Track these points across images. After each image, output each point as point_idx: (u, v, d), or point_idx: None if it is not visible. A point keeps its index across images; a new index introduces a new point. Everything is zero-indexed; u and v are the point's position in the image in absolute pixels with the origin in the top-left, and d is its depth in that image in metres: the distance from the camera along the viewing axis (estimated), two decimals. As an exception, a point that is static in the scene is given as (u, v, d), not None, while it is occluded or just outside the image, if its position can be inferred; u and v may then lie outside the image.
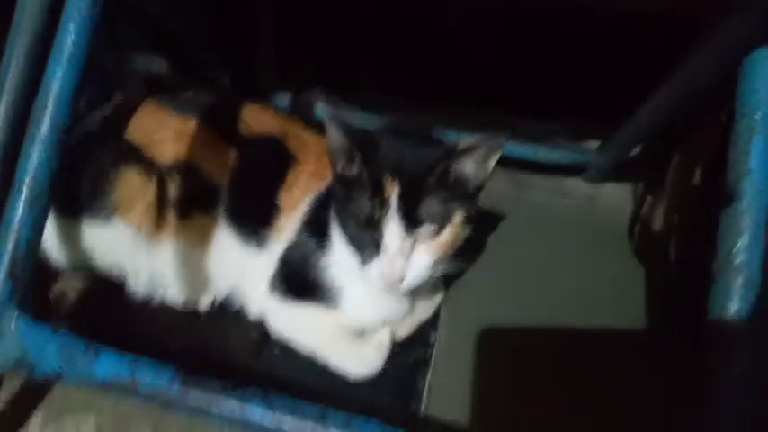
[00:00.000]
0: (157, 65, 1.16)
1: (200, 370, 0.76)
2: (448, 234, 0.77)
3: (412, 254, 0.76)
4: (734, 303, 0.61)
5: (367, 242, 0.77)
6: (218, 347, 0.93)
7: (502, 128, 0.75)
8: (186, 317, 0.95)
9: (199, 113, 0.92)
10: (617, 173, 1.32)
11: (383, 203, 0.74)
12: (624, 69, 1.15)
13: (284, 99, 1.27)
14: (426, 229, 0.75)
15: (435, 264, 0.78)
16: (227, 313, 0.95)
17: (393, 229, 0.75)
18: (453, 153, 0.76)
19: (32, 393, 0.82)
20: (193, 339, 0.93)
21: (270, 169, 0.92)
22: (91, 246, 0.87)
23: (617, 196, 1.32)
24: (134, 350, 0.87)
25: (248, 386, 0.69)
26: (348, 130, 0.77)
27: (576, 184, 1.34)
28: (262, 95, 1.25)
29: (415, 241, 0.76)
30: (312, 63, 1.31)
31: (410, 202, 0.74)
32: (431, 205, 0.75)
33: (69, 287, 0.95)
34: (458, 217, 0.77)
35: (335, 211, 0.82)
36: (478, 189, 0.80)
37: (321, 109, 1.24)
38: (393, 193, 0.74)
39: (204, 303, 0.96)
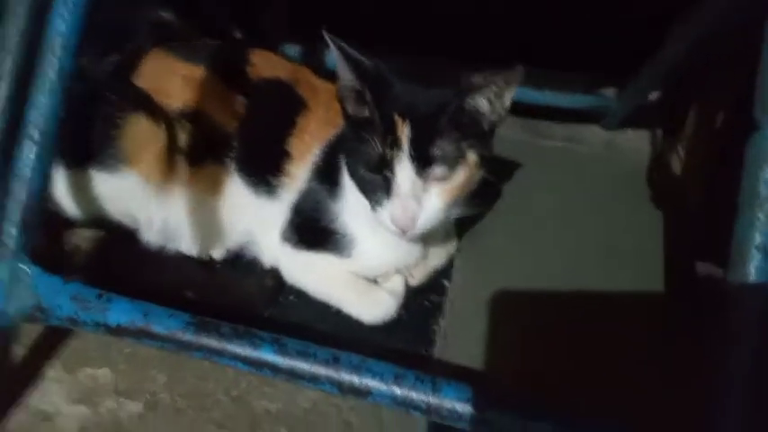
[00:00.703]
0: (167, 17, 1.13)
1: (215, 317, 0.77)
2: (461, 176, 0.75)
3: (424, 196, 0.75)
4: (759, 236, 0.58)
5: (378, 185, 0.76)
6: (234, 295, 0.93)
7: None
8: (202, 266, 0.96)
9: (207, 60, 0.90)
10: (635, 119, 1.29)
11: (394, 144, 0.73)
12: (641, 15, 1.11)
13: (294, 50, 1.24)
14: (438, 169, 0.73)
15: (448, 207, 0.76)
16: (242, 262, 0.95)
17: (404, 170, 0.73)
18: (467, 89, 0.73)
19: (49, 347, 0.83)
20: (209, 288, 0.93)
21: (280, 116, 0.90)
22: (101, 196, 0.87)
23: (635, 143, 1.29)
24: (150, 300, 0.89)
25: (261, 331, 0.70)
26: (359, 68, 0.74)
27: (593, 132, 1.31)
28: (273, 48, 1.23)
29: (427, 183, 0.74)
30: (323, 16, 1.27)
31: (422, 143, 0.72)
32: (443, 145, 0.73)
33: (83, 240, 0.95)
34: (471, 158, 0.75)
35: (346, 154, 0.81)
36: (493, 128, 0.77)
37: (332, 55, 1.21)
38: (404, 133, 0.72)
39: (219, 252, 0.96)
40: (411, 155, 0.72)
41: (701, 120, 1.09)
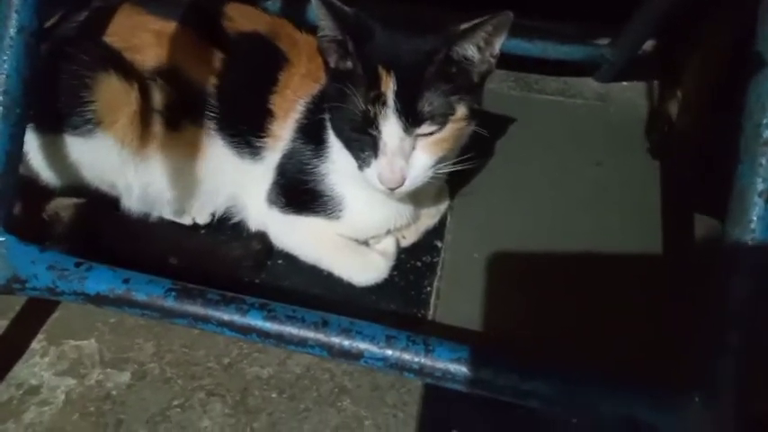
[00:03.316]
0: None
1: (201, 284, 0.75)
2: (450, 130, 0.71)
3: (412, 153, 0.71)
4: (762, 183, 0.56)
5: (364, 143, 0.72)
6: (220, 261, 0.90)
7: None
8: (185, 232, 0.93)
9: (181, 15, 0.85)
10: (630, 71, 1.25)
11: (379, 99, 0.69)
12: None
13: (274, 4, 1.19)
14: (427, 125, 0.70)
15: (438, 163, 0.73)
16: (227, 225, 0.92)
17: (391, 126, 0.69)
18: (455, 36, 0.69)
19: (32, 319, 0.81)
20: (194, 255, 0.90)
21: (260, 71, 0.86)
22: (77, 162, 0.83)
23: (630, 95, 1.25)
24: (134, 268, 0.86)
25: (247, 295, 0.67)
26: (340, 16, 0.70)
27: (587, 84, 1.27)
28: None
29: (415, 139, 0.71)
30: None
31: (408, 97, 0.69)
32: (431, 99, 0.69)
33: (63, 208, 0.91)
34: (461, 111, 0.71)
35: (330, 112, 0.77)
36: (483, 78, 0.74)
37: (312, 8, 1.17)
38: (389, 87, 0.69)
39: (202, 217, 0.93)
40: (397, 111, 0.68)
41: (698, 66, 1.05)
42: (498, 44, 0.71)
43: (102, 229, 0.90)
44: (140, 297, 0.66)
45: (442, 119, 0.70)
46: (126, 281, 0.67)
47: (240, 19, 0.87)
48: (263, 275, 0.89)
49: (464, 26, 0.69)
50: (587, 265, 0.93)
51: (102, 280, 0.67)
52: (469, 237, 0.95)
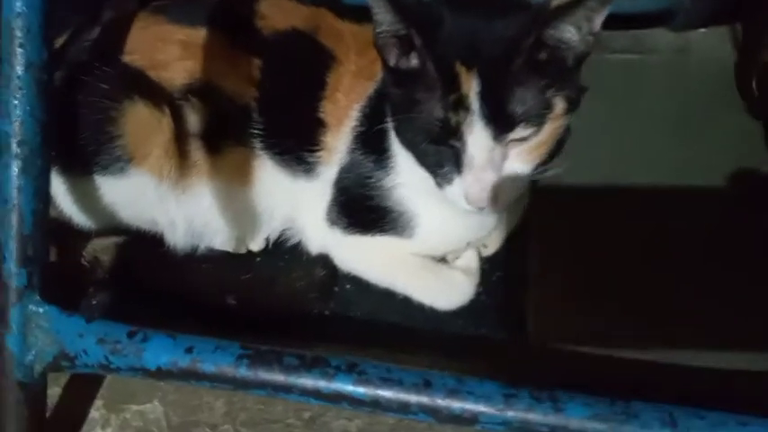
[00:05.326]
0: None
1: (270, 333, 0.66)
2: (549, 130, 0.59)
3: (504, 164, 0.59)
4: None
5: (443, 157, 0.60)
6: (281, 293, 0.81)
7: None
8: (239, 262, 0.83)
9: (207, 19, 0.74)
10: (708, 14, 1.08)
11: (460, 103, 0.57)
12: None
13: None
14: (521, 129, 0.57)
15: (534, 169, 0.61)
16: (286, 250, 0.82)
17: (478, 135, 0.57)
18: (545, 17, 0.56)
19: (87, 384, 0.72)
20: (252, 288, 0.81)
21: (304, 75, 0.74)
22: (111, 203, 0.74)
23: (713, 42, 1.08)
24: (187, 311, 0.77)
25: (330, 355, 0.57)
26: (401, 5, 0.57)
27: (661, 36, 1.10)
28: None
29: (507, 146, 0.59)
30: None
31: (496, 97, 0.56)
32: (523, 97, 0.56)
33: (101, 249, 0.82)
34: (559, 106, 0.59)
35: (394, 120, 0.65)
36: (580, 61, 0.60)
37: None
38: (471, 87, 0.56)
39: (257, 244, 0.83)
40: (485, 116, 0.56)
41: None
42: (601, 19, 0.57)
43: (146, 269, 0.82)
44: (208, 368, 0.57)
45: (538, 119, 0.58)
46: (189, 350, 0.58)
47: (274, 15, 0.75)
48: (331, 305, 0.79)
49: (555, 4, 0.56)
50: (689, 255, 0.81)
51: (161, 351, 0.58)
52: (559, 233, 0.83)
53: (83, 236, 0.82)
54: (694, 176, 0.90)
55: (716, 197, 0.89)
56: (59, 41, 0.75)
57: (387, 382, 0.55)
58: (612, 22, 1.10)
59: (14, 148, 0.59)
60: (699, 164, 0.91)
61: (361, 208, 0.74)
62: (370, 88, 0.72)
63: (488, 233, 0.77)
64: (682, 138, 0.95)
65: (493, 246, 0.81)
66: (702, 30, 1.10)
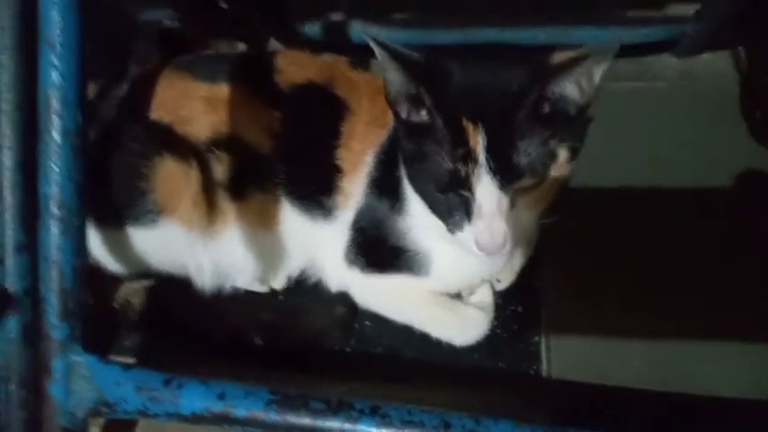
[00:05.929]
0: (169, 24, 0.98)
1: (296, 372, 0.69)
2: (552, 179, 0.62)
3: (512, 211, 0.62)
4: None
5: (453, 205, 0.63)
6: (304, 330, 0.84)
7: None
8: (263, 301, 0.87)
9: (227, 74, 0.78)
10: (712, 40, 1.10)
11: (468, 157, 0.60)
12: None
13: (314, 28, 1.10)
14: (526, 179, 0.60)
15: (540, 213, 0.64)
16: (306, 289, 0.85)
17: (485, 186, 0.60)
18: (546, 72, 0.59)
19: (125, 425, 0.76)
20: (275, 327, 0.84)
21: (320, 125, 0.78)
22: (142, 252, 0.78)
23: (718, 67, 1.11)
24: (215, 351, 0.80)
25: (353, 392, 0.61)
26: (409, 66, 0.61)
27: (666, 62, 1.13)
28: (291, 27, 1.08)
29: (514, 194, 0.62)
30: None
31: (502, 151, 0.59)
32: (529, 149, 0.59)
33: (133, 293, 0.86)
34: (563, 155, 0.61)
35: (407, 169, 0.68)
36: (583, 111, 0.63)
37: (358, 30, 1.08)
38: (478, 142, 0.59)
39: (279, 282, 0.87)
40: (491, 168, 0.59)
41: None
42: (600, 74, 0.60)
43: (176, 310, 0.85)
44: (239, 413, 0.60)
45: (542, 169, 0.61)
46: (221, 396, 0.61)
47: (290, 68, 0.79)
48: (352, 342, 0.82)
49: (558, 59, 0.59)
50: (697, 282, 0.83)
51: (195, 397, 0.62)
52: (569, 263, 0.85)
53: (114, 280, 0.86)
54: (701, 196, 0.92)
55: (722, 214, 0.91)
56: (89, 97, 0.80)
57: (408, 424, 0.58)
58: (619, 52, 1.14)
59: (54, 209, 0.63)
60: (704, 183, 0.94)
61: (378, 248, 0.77)
62: (383, 136, 0.76)
63: (501, 269, 0.80)
64: (687, 159, 0.98)
65: (506, 280, 0.84)
66: (706, 55, 1.12)
